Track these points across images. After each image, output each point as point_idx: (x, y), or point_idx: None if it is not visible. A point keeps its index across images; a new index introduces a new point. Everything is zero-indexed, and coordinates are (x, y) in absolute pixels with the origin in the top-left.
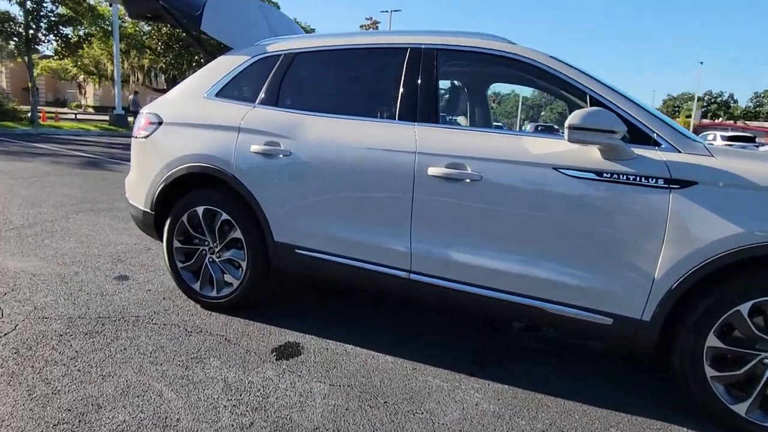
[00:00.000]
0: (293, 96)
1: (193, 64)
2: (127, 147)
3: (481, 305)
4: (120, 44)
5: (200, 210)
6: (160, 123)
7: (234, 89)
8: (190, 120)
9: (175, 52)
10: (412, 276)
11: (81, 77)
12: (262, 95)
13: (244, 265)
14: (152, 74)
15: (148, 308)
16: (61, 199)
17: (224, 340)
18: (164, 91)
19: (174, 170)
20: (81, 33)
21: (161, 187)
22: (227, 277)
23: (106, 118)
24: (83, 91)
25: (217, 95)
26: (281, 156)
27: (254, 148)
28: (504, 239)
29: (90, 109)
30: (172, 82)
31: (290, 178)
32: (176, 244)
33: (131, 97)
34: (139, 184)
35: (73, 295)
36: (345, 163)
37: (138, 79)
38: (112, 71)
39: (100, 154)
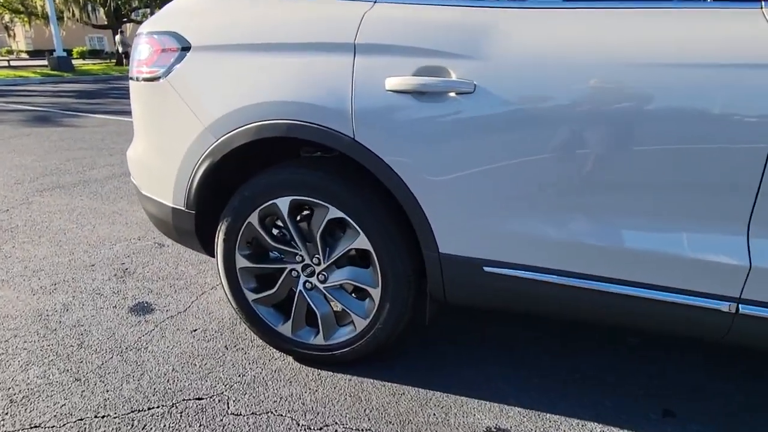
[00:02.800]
0: None
1: None
2: (81, 94)
3: None
4: None
5: (284, 203)
6: (187, 49)
7: None
8: (249, 37)
9: None
10: (742, 308)
11: (6, 17)
12: None
13: (375, 293)
14: (89, 8)
15: (209, 378)
16: (15, 174)
17: None
18: (106, 29)
19: (227, 136)
20: None
21: (204, 167)
22: (341, 312)
23: (45, 62)
24: (11, 34)
25: None
26: (454, 95)
27: (393, 83)
28: None
29: (24, 54)
30: (115, 16)
31: (475, 138)
32: (241, 261)
33: (118, 37)
34: (159, 164)
35: (72, 372)
36: (612, 102)
37: (73, 14)
38: (42, 7)
39: (48, 105)
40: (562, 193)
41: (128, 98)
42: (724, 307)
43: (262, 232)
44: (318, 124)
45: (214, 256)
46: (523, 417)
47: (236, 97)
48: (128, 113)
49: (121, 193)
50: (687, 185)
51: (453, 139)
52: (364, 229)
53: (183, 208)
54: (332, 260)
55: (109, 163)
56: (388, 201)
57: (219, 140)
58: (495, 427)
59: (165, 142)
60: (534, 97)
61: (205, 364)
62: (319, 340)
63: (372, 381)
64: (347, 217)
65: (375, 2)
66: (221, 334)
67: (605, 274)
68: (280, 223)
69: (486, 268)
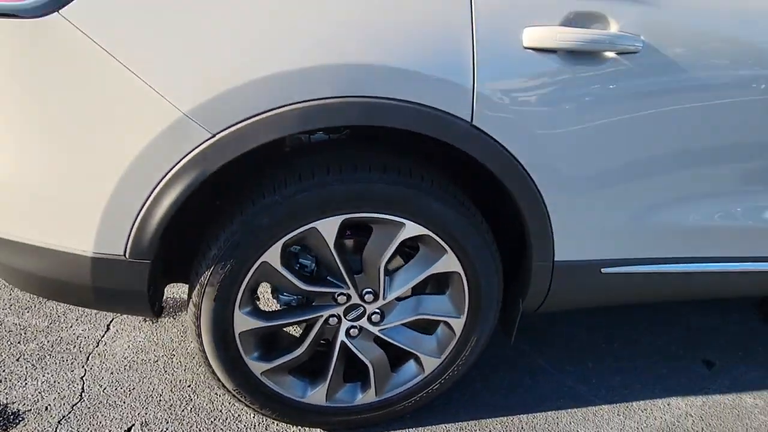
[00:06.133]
0: None
1: None
2: None
3: None
4: None
5: (331, 226)
6: None
7: None
8: None
9: None
10: None
11: None
12: None
13: (458, 324)
14: None
15: None
16: None
17: None
18: None
19: (236, 128)
20: None
21: (183, 184)
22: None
23: None
24: None
25: None
26: (613, 55)
27: (536, 36)
28: None
29: None
30: None
31: (631, 117)
32: (244, 322)
33: None
34: (56, 183)
35: None
36: None
37: None
38: None
39: None
40: (721, 177)
41: None
42: None
43: (287, 273)
44: (416, 103)
45: (157, 318)
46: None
47: (251, 54)
48: None
49: None
50: None
51: (602, 118)
52: (455, 247)
53: (120, 256)
54: (399, 293)
55: None
56: (489, 206)
57: (219, 135)
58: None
59: (68, 141)
60: (713, 63)
61: None
62: (369, 397)
63: (445, 427)
64: (432, 234)
65: None
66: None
67: (736, 253)
68: (302, 254)
69: (605, 270)
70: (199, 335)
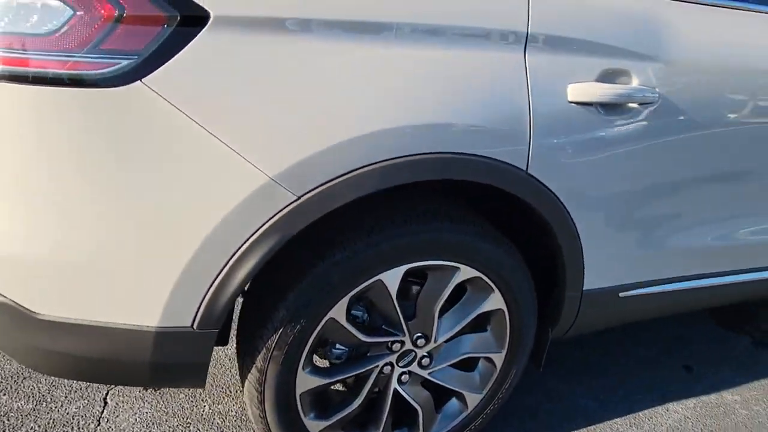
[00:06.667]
0: None
1: None
2: None
3: None
4: None
5: (395, 277)
6: (195, 20)
7: None
8: (344, 9)
9: None
10: None
11: None
12: None
13: (499, 358)
14: None
15: None
16: None
17: None
18: None
19: (322, 189)
20: None
21: (264, 249)
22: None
23: None
24: None
25: None
26: (636, 106)
27: (578, 91)
28: None
29: None
30: None
31: (651, 156)
32: (307, 381)
33: None
34: (128, 258)
35: None
36: None
37: None
38: None
39: None
40: (725, 204)
41: None
42: None
43: (351, 327)
44: (484, 156)
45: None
46: None
47: (339, 118)
48: None
49: None
50: None
51: (628, 159)
52: (501, 285)
53: (187, 328)
54: (449, 335)
55: None
56: (528, 244)
57: (305, 197)
58: None
59: (145, 213)
60: (717, 110)
61: None
62: None
63: None
64: (483, 276)
65: None
66: None
67: (729, 268)
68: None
69: (622, 294)
70: (262, 401)
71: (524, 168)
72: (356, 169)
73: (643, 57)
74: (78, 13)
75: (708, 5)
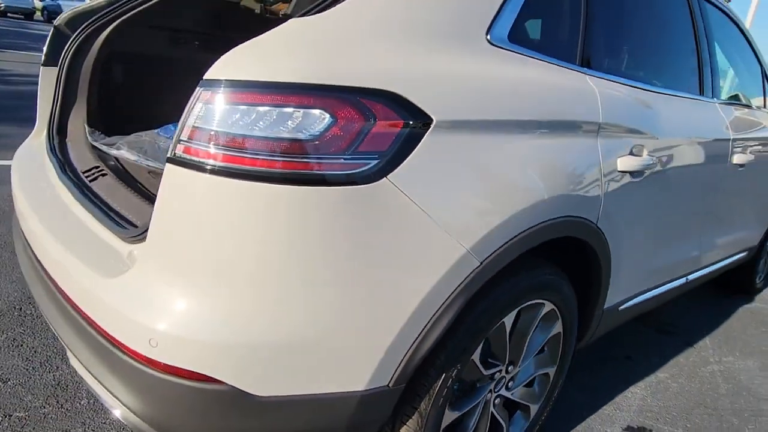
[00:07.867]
0: (609, 48)
1: None
2: None
3: None
4: None
5: (511, 317)
6: (422, 125)
7: (526, 24)
8: (507, 110)
9: None
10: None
11: None
12: (581, 43)
13: (551, 371)
14: None
15: None
16: None
17: None
18: None
19: (496, 255)
20: None
21: (453, 310)
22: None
23: None
24: None
25: (511, 39)
26: (647, 172)
27: (624, 163)
28: None
29: None
30: None
31: (651, 205)
32: (448, 417)
33: None
34: (352, 332)
35: None
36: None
37: None
38: None
39: None
40: (695, 228)
41: None
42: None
43: (480, 365)
44: (578, 217)
45: None
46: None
47: (513, 200)
48: None
49: None
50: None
51: (641, 204)
52: (564, 314)
53: (386, 386)
54: (530, 359)
55: None
56: (584, 279)
57: (485, 263)
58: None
59: (373, 292)
60: (681, 165)
61: None
62: None
63: None
64: (557, 308)
65: (585, 74)
66: None
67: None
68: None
69: (621, 307)
70: None
71: (595, 222)
72: (520, 233)
73: (648, 135)
74: (339, 120)
75: (666, 95)
